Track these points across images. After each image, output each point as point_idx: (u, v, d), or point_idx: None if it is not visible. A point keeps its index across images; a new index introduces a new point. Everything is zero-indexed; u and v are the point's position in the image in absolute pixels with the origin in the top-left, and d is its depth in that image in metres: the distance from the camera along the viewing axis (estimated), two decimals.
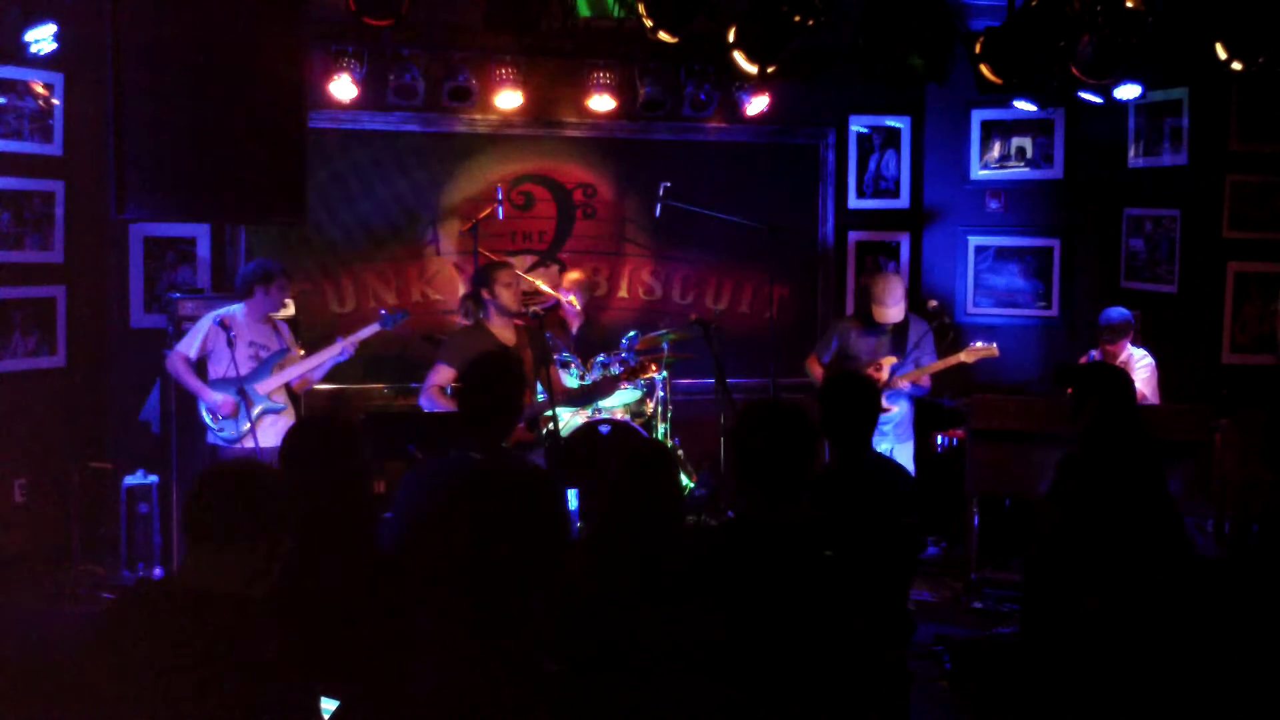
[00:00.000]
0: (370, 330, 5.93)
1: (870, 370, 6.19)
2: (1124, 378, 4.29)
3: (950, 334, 6.80)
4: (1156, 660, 3.13)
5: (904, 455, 6.33)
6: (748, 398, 7.17)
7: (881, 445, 6.15)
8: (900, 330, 6.34)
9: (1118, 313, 6.33)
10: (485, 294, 5.58)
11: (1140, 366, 6.28)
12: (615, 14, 6.56)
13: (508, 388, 3.55)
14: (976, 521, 6.29)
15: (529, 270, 7.51)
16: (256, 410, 5.68)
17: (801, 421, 2.85)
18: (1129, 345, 6.35)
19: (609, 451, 3.55)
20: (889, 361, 6.26)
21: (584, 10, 6.79)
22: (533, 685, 3.13)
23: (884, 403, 6.18)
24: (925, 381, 6.33)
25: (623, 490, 3.24)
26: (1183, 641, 3.11)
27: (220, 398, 5.64)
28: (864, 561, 3.65)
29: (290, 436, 3.25)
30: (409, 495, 3.44)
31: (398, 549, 3.29)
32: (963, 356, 6.29)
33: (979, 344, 6.31)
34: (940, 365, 6.32)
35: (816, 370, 6.49)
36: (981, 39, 5.65)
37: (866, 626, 2.80)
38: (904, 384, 6.23)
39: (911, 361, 6.31)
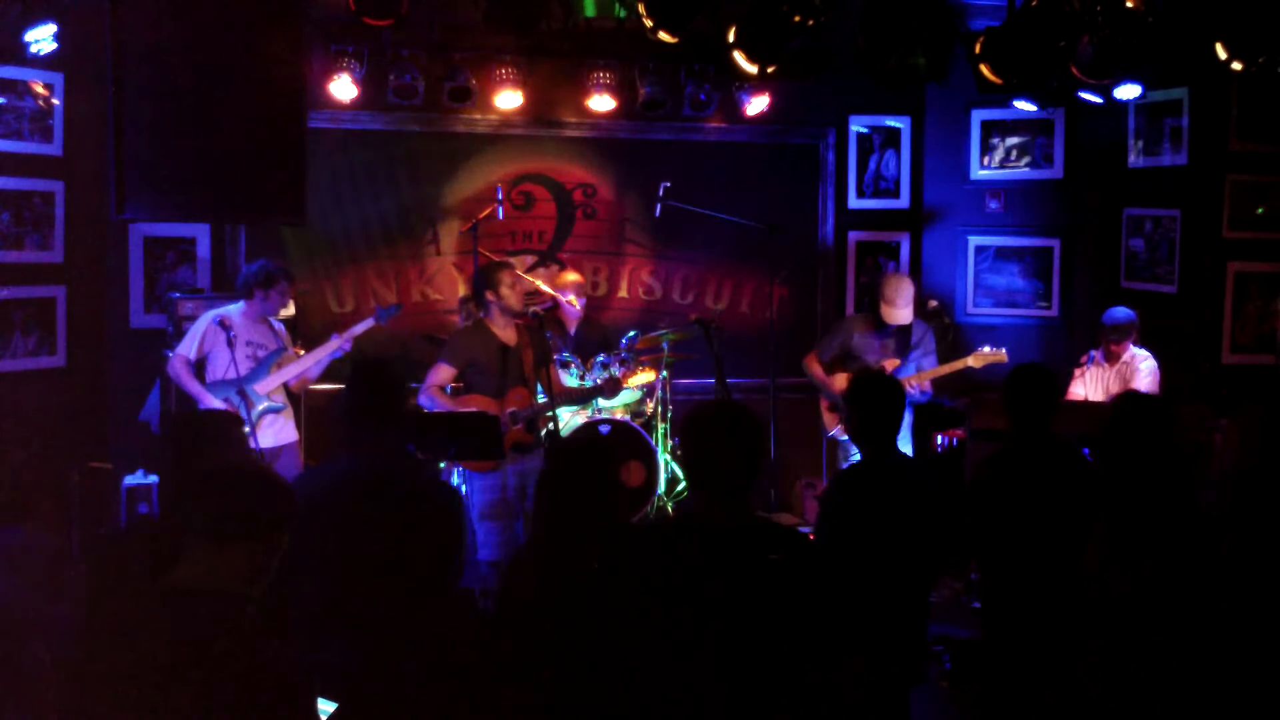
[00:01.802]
0: (365, 325, 5.94)
1: None
2: (1029, 378, 4.28)
3: (950, 334, 6.80)
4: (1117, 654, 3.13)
5: None
6: (748, 398, 7.18)
7: None
8: (904, 332, 6.33)
9: (1122, 313, 6.33)
10: (490, 295, 5.59)
11: (1145, 371, 6.28)
12: (617, 13, 6.56)
13: (385, 392, 3.56)
14: None
15: (529, 270, 7.51)
16: (256, 410, 5.68)
17: (744, 423, 2.83)
18: (1132, 346, 6.35)
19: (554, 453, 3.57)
20: (893, 364, 6.26)
21: (589, 10, 6.79)
22: (434, 687, 3.12)
23: None
24: (927, 386, 6.33)
25: (558, 488, 3.22)
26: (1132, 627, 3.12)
27: (219, 402, 5.64)
28: (872, 561, 3.66)
29: (165, 430, 3.29)
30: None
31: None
32: (970, 361, 6.28)
33: (987, 349, 6.29)
34: (947, 369, 6.31)
35: (816, 369, 6.49)
36: (981, 39, 5.65)
37: (835, 628, 2.79)
38: (913, 386, 6.21)
39: (914, 364, 6.31)
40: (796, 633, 2.70)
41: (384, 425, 3.51)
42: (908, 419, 6.41)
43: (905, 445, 6.42)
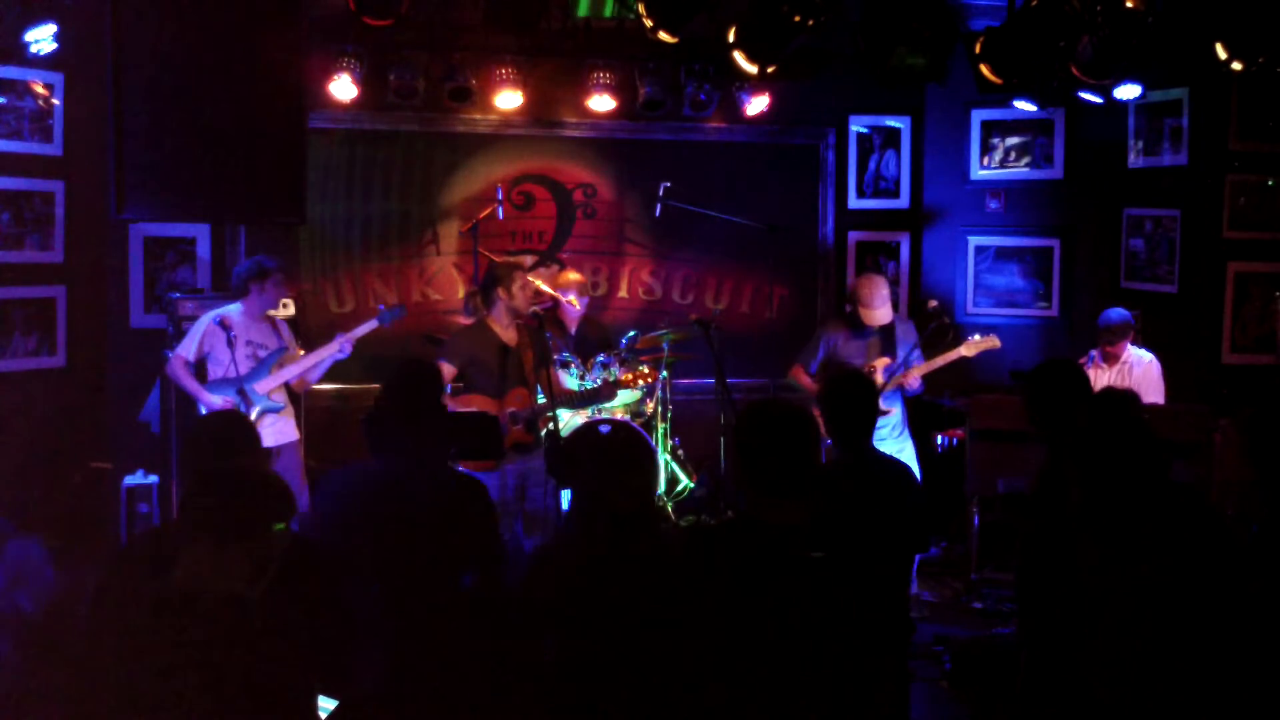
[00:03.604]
0: (368, 327, 5.93)
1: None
2: (1058, 374, 4.21)
3: (950, 334, 6.78)
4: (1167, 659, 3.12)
5: (906, 457, 6.30)
6: (747, 397, 7.17)
7: (881, 449, 6.11)
8: (888, 330, 6.30)
9: (1117, 314, 6.32)
10: (502, 293, 5.60)
11: (1148, 374, 6.26)
12: (606, 14, 6.55)
13: (416, 396, 3.56)
14: (976, 521, 6.29)
15: (529, 270, 7.50)
16: (256, 410, 5.68)
17: (802, 421, 2.83)
18: (1130, 346, 6.34)
19: (579, 449, 3.54)
20: (883, 363, 6.23)
21: (583, 10, 6.79)
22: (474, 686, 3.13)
23: (881, 405, 6.15)
24: (918, 381, 6.27)
25: (590, 488, 3.21)
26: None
27: (219, 400, 5.64)
28: (864, 561, 3.66)
29: (190, 432, 3.29)
30: (323, 504, 3.45)
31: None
32: (963, 350, 6.24)
33: (978, 336, 6.25)
34: (941, 361, 6.27)
35: (804, 380, 6.43)
36: (981, 39, 5.65)
37: (865, 628, 2.79)
38: (914, 380, 6.17)
39: (902, 362, 6.29)
40: (859, 630, 2.70)
41: (416, 425, 3.51)
42: (901, 414, 6.39)
43: (906, 442, 6.41)
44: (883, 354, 6.26)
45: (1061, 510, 3.79)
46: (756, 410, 2.89)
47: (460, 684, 3.15)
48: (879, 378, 6.18)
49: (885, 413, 6.18)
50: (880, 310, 6.15)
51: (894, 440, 6.28)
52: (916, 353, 6.32)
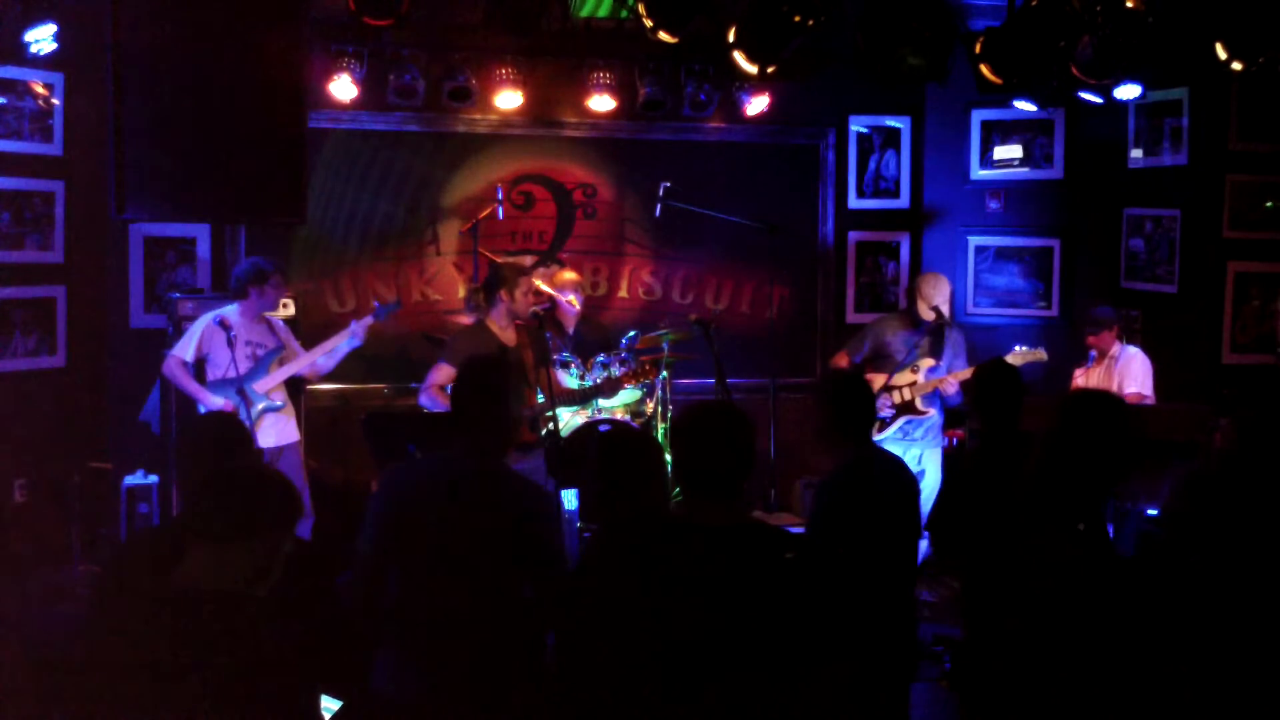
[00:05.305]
0: (367, 321, 5.97)
1: (909, 372, 6.19)
2: (997, 375, 4.37)
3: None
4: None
5: (933, 460, 6.33)
6: (748, 397, 7.17)
7: (911, 451, 6.17)
8: (939, 333, 6.30)
9: (1101, 309, 6.45)
10: (504, 293, 5.60)
11: (1132, 367, 6.26)
12: (584, 12, 6.54)
13: (495, 391, 3.52)
14: None
15: (528, 271, 7.49)
16: (256, 409, 5.69)
17: (734, 423, 2.81)
18: (1118, 342, 6.37)
19: (583, 450, 3.47)
20: (927, 364, 6.24)
21: (582, 9, 6.78)
22: (519, 688, 3.11)
23: (919, 405, 6.19)
24: (956, 387, 6.26)
25: (608, 486, 3.18)
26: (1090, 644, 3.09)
27: (219, 401, 5.65)
28: (863, 560, 3.65)
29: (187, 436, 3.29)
30: (386, 495, 3.41)
31: (373, 547, 3.29)
32: (1008, 360, 6.21)
33: (1023, 348, 6.19)
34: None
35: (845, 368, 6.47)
36: (981, 39, 5.64)
37: (847, 628, 2.77)
38: (952, 386, 6.16)
39: (945, 365, 6.29)
40: (797, 634, 2.68)
41: (481, 424, 3.48)
42: (938, 420, 6.39)
43: (936, 448, 6.41)
44: (930, 355, 6.28)
45: (982, 492, 3.89)
46: (693, 414, 2.87)
47: (493, 693, 3.14)
48: (920, 378, 6.20)
49: (924, 413, 6.22)
50: (943, 308, 6.19)
51: (925, 443, 6.30)
52: (961, 360, 6.33)
